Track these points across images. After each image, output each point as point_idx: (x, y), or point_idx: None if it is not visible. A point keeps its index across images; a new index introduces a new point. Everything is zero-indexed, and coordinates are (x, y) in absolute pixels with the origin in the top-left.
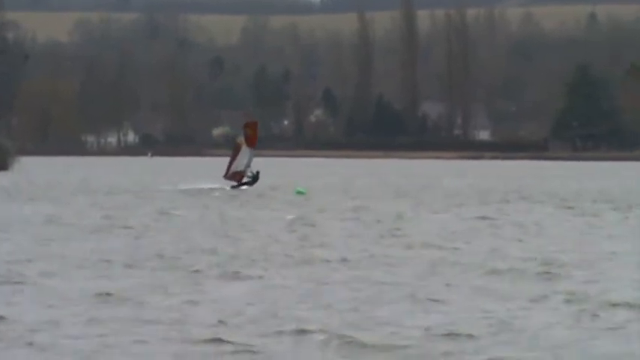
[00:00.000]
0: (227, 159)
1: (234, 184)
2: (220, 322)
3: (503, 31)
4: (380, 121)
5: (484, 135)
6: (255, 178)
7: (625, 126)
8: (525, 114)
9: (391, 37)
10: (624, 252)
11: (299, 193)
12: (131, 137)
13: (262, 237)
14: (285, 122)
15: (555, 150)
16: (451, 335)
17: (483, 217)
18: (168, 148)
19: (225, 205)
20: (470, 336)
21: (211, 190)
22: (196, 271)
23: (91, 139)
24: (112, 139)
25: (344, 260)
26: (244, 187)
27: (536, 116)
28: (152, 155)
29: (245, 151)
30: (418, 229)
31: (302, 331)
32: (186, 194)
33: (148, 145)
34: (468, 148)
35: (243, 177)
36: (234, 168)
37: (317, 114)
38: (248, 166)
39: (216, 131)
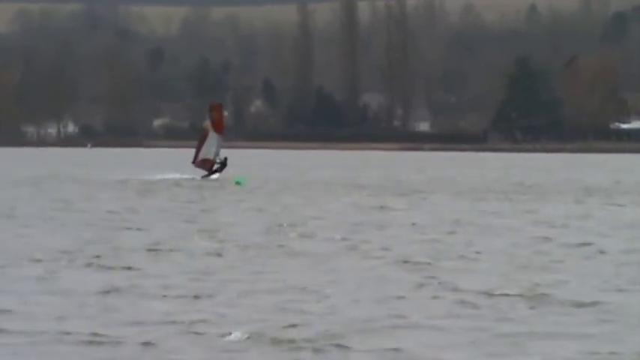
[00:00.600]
0: (168, 150)
1: (205, 173)
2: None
3: (443, 22)
4: (320, 113)
5: (424, 126)
6: (223, 164)
7: (565, 118)
8: (465, 105)
9: (331, 28)
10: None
11: (238, 183)
12: (71, 128)
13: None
14: (225, 113)
15: (495, 142)
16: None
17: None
18: (108, 139)
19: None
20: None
21: (183, 180)
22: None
23: (30, 129)
24: (52, 130)
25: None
26: (215, 175)
27: (476, 108)
28: (92, 146)
29: (213, 136)
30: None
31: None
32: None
33: (88, 136)
34: (408, 139)
35: (213, 165)
36: (202, 155)
37: (257, 105)
38: (217, 154)
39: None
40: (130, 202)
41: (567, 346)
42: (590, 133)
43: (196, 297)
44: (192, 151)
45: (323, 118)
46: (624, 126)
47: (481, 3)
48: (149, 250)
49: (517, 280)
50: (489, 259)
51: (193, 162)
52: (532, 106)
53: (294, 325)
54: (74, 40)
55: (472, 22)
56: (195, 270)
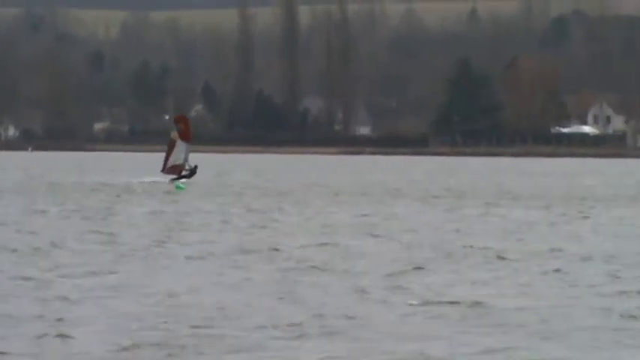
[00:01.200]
0: (108, 154)
1: (174, 177)
2: None
3: (384, 26)
4: (260, 116)
5: (365, 130)
6: (192, 172)
7: (505, 122)
8: (406, 110)
9: (272, 32)
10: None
11: (179, 188)
12: (11, 132)
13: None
14: (166, 117)
15: (436, 145)
16: None
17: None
18: (48, 142)
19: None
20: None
21: (152, 183)
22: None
23: None
24: None
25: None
26: (183, 179)
27: (417, 112)
28: (32, 150)
29: (181, 145)
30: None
31: None
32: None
33: (29, 140)
34: (349, 143)
35: (182, 170)
36: (171, 162)
37: (197, 109)
38: (186, 160)
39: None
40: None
41: None
42: (531, 137)
43: None
44: (134, 154)
45: (263, 121)
46: (564, 130)
47: (422, 7)
48: None
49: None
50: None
51: (162, 170)
52: (472, 109)
53: None
54: (14, 43)
55: (413, 26)
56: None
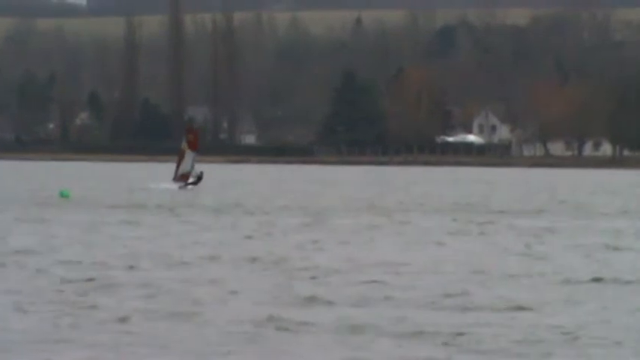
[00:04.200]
0: None
1: (182, 184)
2: None
3: (270, 35)
4: (146, 125)
5: (250, 139)
6: (199, 178)
7: (391, 131)
8: (292, 119)
9: (158, 41)
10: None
11: (63, 196)
12: None
13: None
14: (51, 126)
15: (322, 155)
16: None
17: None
18: None
19: None
20: None
21: (167, 189)
22: None
23: None
24: None
25: None
26: (190, 186)
27: (303, 121)
28: None
29: (189, 154)
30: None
31: None
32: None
33: None
34: (235, 152)
35: (189, 177)
36: (180, 171)
37: (83, 117)
38: (193, 167)
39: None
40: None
41: None
42: (416, 146)
43: None
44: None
45: (149, 130)
46: (449, 139)
47: (308, 16)
48: None
49: None
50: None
51: (174, 179)
52: (357, 119)
53: None
54: None
55: (299, 36)
56: None
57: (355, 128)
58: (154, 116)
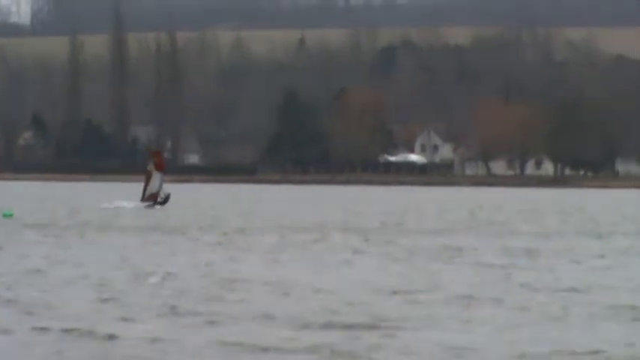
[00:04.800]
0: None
1: (150, 203)
2: None
3: (214, 55)
4: (89, 145)
5: (194, 159)
6: (166, 199)
7: (334, 150)
8: (236, 138)
9: (101, 61)
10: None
11: (6, 216)
12: None
13: None
14: None
15: (265, 174)
16: None
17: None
18: None
19: None
20: None
21: (126, 208)
22: None
23: None
24: None
25: None
26: (157, 206)
27: (246, 141)
28: None
29: (156, 175)
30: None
31: None
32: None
33: None
34: (178, 171)
35: (157, 197)
36: (149, 191)
37: (26, 137)
38: (160, 187)
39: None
40: None
41: None
42: (359, 165)
43: None
44: None
45: (92, 150)
46: (392, 158)
47: (251, 36)
48: None
49: None
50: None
51: (142, 199)
52: (301, 139)
53: None
54: None
55: (242, 56)
56: None
57: (299, 147)
58: (97, 136)
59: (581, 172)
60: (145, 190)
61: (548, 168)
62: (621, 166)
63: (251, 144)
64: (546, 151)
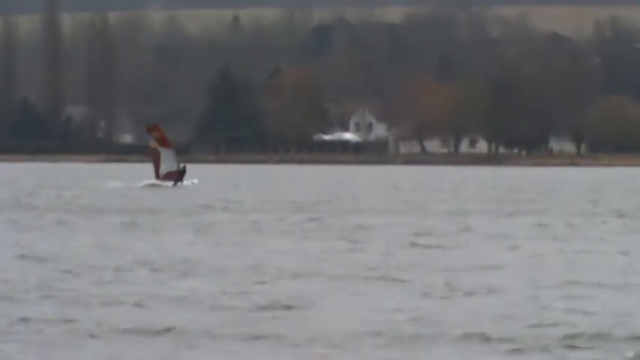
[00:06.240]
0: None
1: (172, 182)
2: None
3: (147, 34)
4: (23, 125)
5: (128, 138)
6: (183, 172)
7: (268, 129)
8: (169, 117)
9: (34, 40)
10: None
11: None
12: None
13: None
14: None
15: (199, 153)
16: None
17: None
18: None
19: None
20: None
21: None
22: None
23: None
24: None
25: None
26: (180, 183)
27: (180, 120)
28: None
29: (166, 153)
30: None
31: None
32: None
33: None
34: (112, 151)
35: (177, 174)
36: (164, 170)
37: None
38: (177, 164)
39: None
40: None
41: None
42: (294, 144)
43: None
44: None
45: (26, 130)
46: (326, 137)
47: (185, 15)
48: None
49: None
50: None
51: (157, 177)
52: (235, 118)
53: None
54: None
55: (176, 34)
56: None
57: (233, 126)
58: (32, 116)
59: (515, 151)
60: (157, 168)
61: (482, 147)
62: (555, 144)
63: (185, 123)
64: (481, 130)
